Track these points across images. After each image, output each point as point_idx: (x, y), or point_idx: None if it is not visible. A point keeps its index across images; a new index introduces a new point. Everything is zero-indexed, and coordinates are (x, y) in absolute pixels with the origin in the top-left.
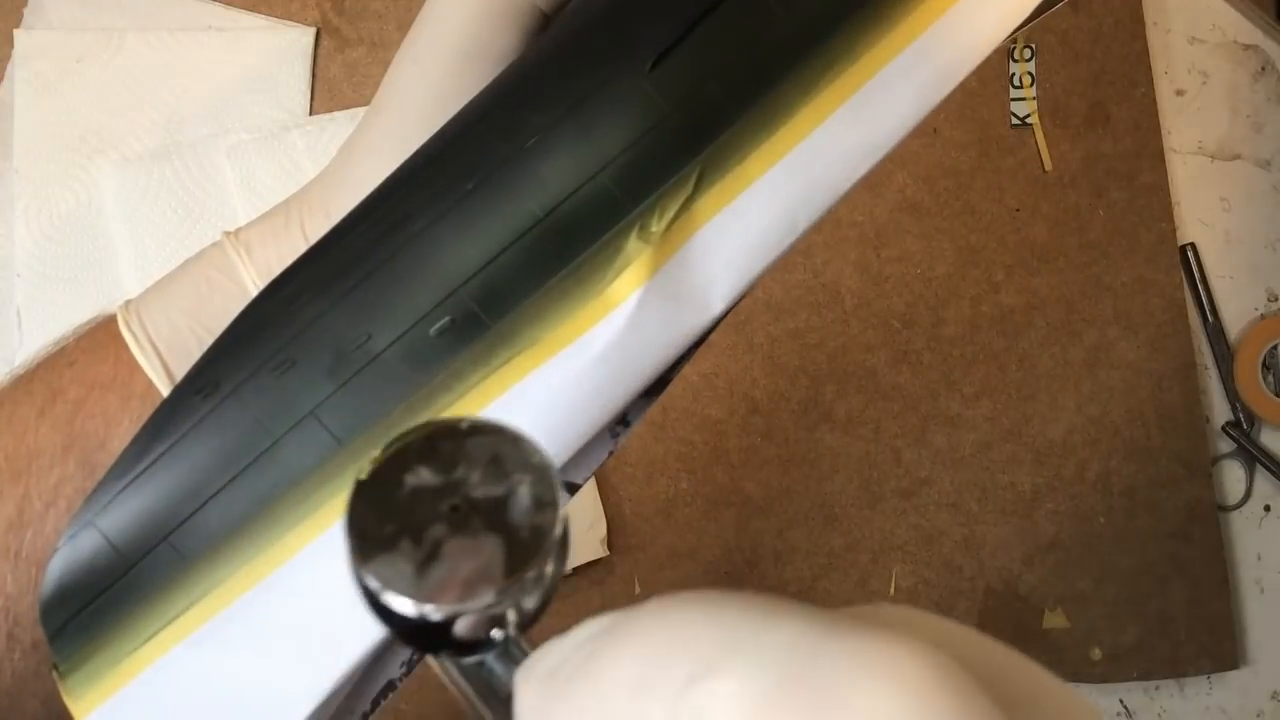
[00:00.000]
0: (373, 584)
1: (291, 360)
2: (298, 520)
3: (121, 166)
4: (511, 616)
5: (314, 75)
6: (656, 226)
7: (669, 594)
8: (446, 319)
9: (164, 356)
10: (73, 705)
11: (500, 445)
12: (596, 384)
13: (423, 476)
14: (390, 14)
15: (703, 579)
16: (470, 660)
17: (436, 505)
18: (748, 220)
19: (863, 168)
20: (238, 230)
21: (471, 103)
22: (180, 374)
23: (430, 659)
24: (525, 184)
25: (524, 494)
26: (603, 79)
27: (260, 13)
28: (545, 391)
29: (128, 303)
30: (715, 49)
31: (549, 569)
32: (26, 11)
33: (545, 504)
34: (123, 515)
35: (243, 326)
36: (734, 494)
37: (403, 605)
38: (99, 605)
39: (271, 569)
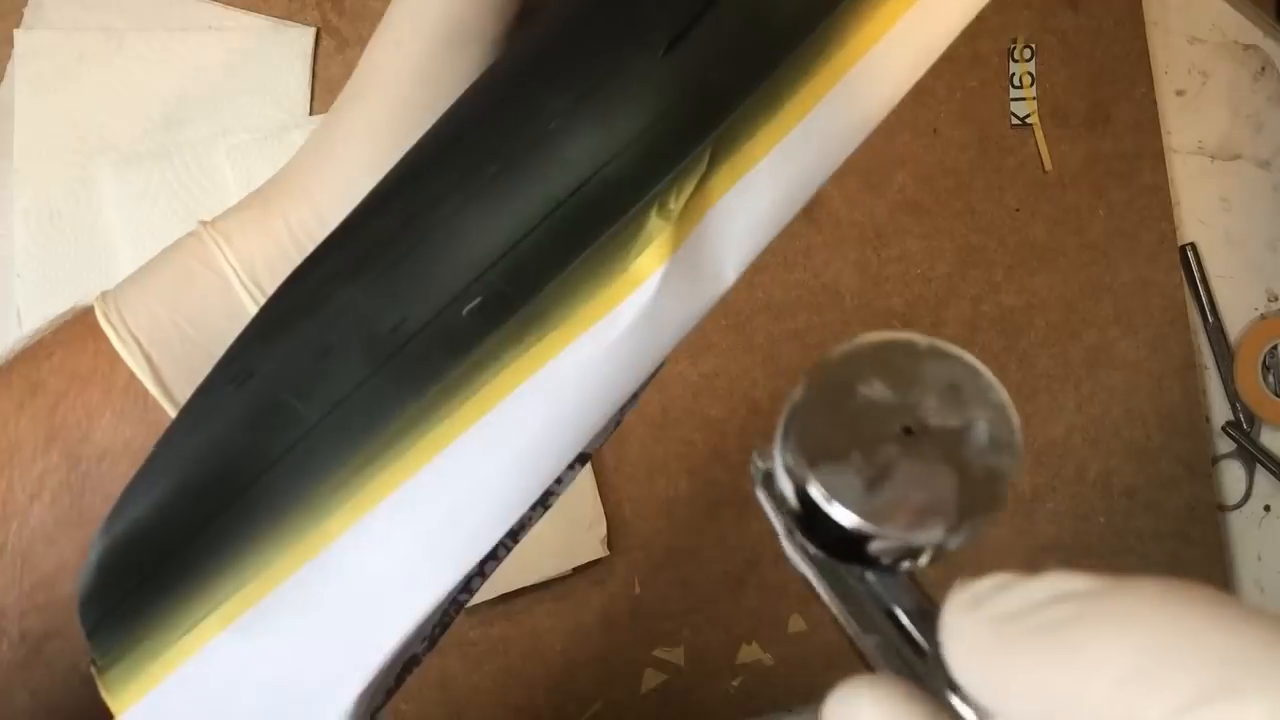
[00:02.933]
0: (816, 491)
1: (326, 346)
2: (339, 504)
3: (121, 166)
4: (934, 552)
5: (314, 75)
6: (674, 205)
7: (1165, 580)
8: (478, 300)
9: (145, 348)
10: (112, 700)
11: (957, 373)
12: (625, 358)
13: (875, 389)
14: None
15: (702, 579)
16: (860, 571)
17: (888, 423)
18: (755, 196)
19: (853, 144)
20: (214, 220)
21: (478, 86)
22: (162, 364)
23: (796, 553)
24: (550, 166)
25: (981, 430)
26: (619, 63)
27: (260, 13)
28: (577, 367)
29: (105, 294)
30: (723, 34)
31: (995, 514)
32: (26, 11)
33: (1002, 446)
34: (160, 507)
35: (273, 313)
36: (734, 494)
37: (845, 518)
38: (138, 597)
39: (314, 553)
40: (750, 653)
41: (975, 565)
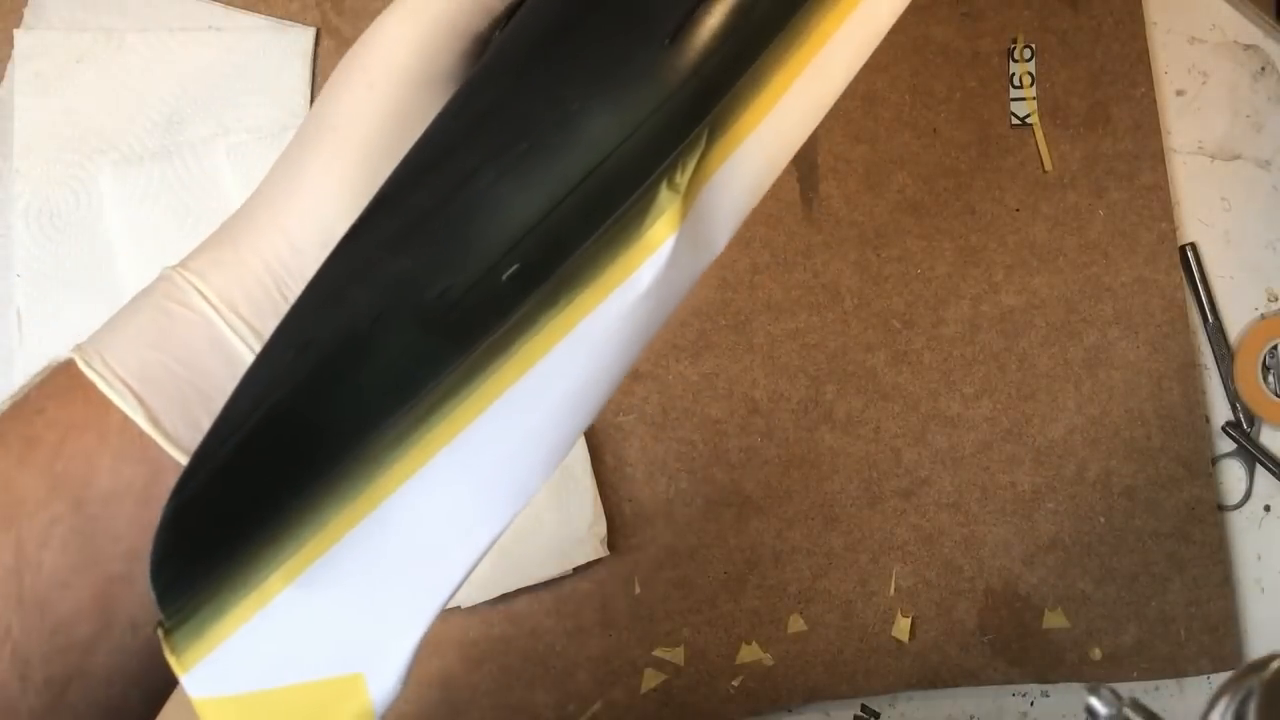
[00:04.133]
0: None
1: (379, 312)
2: (396, 459)
3: (121, 166)
4: None
5: (314, 75)
6: (680, 179)
7: None
8: (516, 266)
9: (135, 390)
10: (177, 659)
11: None
12: (643, 319)
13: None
14: None
15: (702, 579)
16: None
17: None
18: (741, 172)
19: (815, 123)
20: (183, 261)
21: (487, 75)
22: (154, 404)
23: None
24: (574, 144)
25: None
26: (629, 52)
27: (260, 13)
28: (605, 325)
29: (81, 346)
30: (717, 26)
31: None
32: (26, 11)
33: None
34: (225, 470)
35: (325, 283)
36: (734, 494)
37: None
38: (205, 557)
39: (373, 507)
40: (750, 653)
41: (977, 564)
